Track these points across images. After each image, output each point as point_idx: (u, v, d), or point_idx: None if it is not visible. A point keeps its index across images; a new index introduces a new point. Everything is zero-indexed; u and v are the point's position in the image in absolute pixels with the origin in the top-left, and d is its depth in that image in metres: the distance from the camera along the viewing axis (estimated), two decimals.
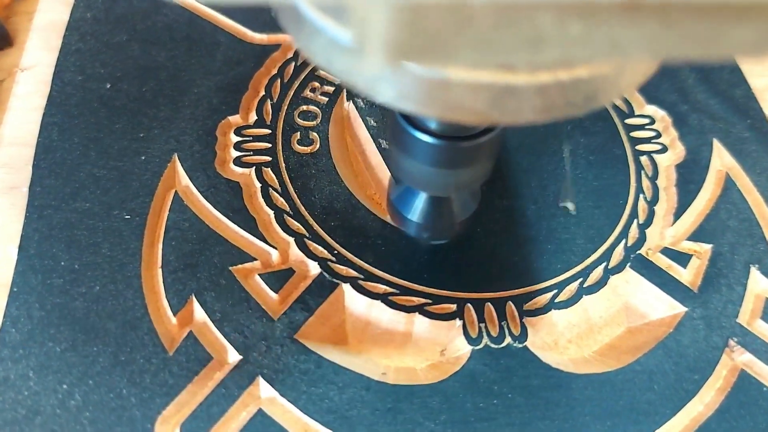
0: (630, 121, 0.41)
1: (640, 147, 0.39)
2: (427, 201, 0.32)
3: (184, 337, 0.31)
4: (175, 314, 0.31)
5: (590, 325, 0.33)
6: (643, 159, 0.39)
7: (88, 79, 0.38)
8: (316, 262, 0.33)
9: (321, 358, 0.31)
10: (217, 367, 0.30)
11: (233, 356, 0.30)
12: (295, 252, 0.34)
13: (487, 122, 0.18)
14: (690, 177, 0.38)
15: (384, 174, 0.37)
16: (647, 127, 0.40)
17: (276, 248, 0.34)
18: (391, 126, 0.28)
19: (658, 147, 0.39)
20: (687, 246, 0.36)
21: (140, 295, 0.32)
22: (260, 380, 0.30)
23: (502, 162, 0.38)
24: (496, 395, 0.30)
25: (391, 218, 0.34)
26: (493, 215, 0.35)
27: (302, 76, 0.40)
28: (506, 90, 0.17)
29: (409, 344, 0.32)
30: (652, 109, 0.41)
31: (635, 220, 0.36)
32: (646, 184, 0.38)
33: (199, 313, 0.31)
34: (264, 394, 0.30)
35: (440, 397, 0.30)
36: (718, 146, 0.40)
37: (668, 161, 0.39)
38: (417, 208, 0.32)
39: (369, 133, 0.39)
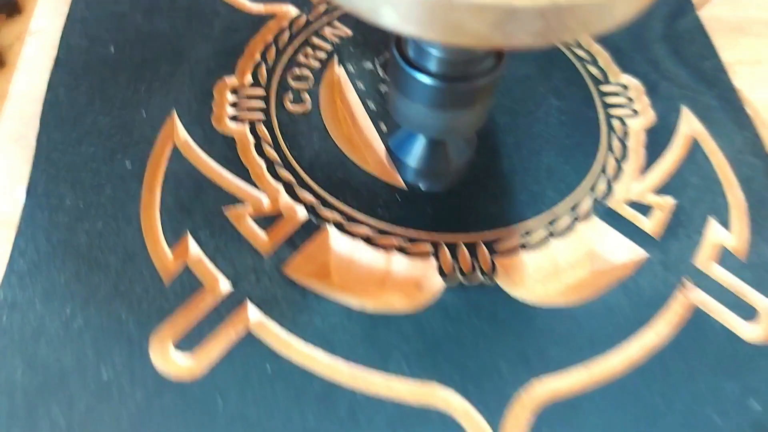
0: (604, 87, 0.43)
1: (613, 111, 0.42)
2: (424, 146, 0.34)
3: (180, 269, 0.33)
4: (171, 249, 0.34)
5: (557, 268, 0.36)
6: (615, 122, 0.42)
7: (93, 44, 0.41)
8: (304, 207, 0.36)
9: (306, 290, 0.33)
10: (209, 295, 0.33)
11: (225, 286, 0.33)
12: (284, 198, 0.36)
13: (486, 46, 0.21)
14: (658, 140, 0.41)
15: (371, 133, 0.40)
16: (621, 94, 0.43)
17: (267, 194, 0.36)
18: (391, 69, 0.30)
19: (630, 112, 0.42)
20: (651, 199, 0.38)
21: (139, 232, 0.34)
22: (249, 306, 0.33)
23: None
24: (465, 324, 0.33)
25: (390, 165, 0.37)
26: (471, 169, 0.38)
27: (296, 44, 0.43)
28: (508, 12, 0.18)
29: (388, 281, 0.34)
30: (626, 78, 0.44)
31: (603, 175, 0.39)
32: (616, 144, 0.41)
33: (193, 248, 0.34)
34: (252, 317, 0.32)
35: (414, 325, 0.33)
36: (686, 113, 0.43)
37: (638, 125, 0.42)
38: (415, 154, 0.35)
39: (358, 95, 0.41)
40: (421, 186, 0.38)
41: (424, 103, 0.30)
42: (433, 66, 0.29)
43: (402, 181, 0.37)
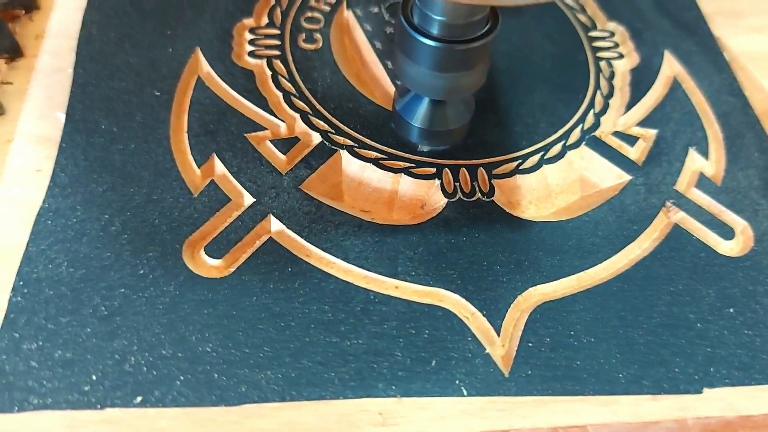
0: (593, 33, 0.47)
1: (601, 54, 0.46)
2: (427, 108, 0.38)
3: (207, 184, 0.37)
4: (199, 167, 0.38)
5: (549, 191, 0.39)
6: (603, 64, 0.45)
7: None
8: (318, 133, 0.40)
9: (321, 203, 0.37)
10: (234, 207, 0.36)
11: (248, 199, 0.37)
12: (300, 125, 0.40)
13: (478, 2, 0.25)
14: (642, 79, 0.45)
15: (378, 69, 0.44)
16: (608, 39, 0.47)
17: (284, 122, 0.40)
18: (398, 35, 0.34)
19: (616, 55, 0.46)
20: (635, 130, 0.42)
21: (169, 152, 0.38)
22: (271, 217, 0.36)
23: None
24: (465, 234, 0.37)
25: (396, 127, 0.41)
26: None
27: None
28: None
29: (395, 200, 0.38)
30: (612, 25, 0.48)
31: (592, 110, 0.43)
32: (603, 83, 0.44)
33: (219, 167, 0.38)
34: (274, 228, 0.36)
35: (419, 234, 0.36)
36: (668, 56, 0.46)
37: (624, 66, 0.46)
38: (419, 115, 0.38)
39: (365, 36, 0.45)
40: (425, 147, 0.41)
41: (427, 65, 0.33)
42: (435, 30, 0.32)
43: None
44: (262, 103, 0.40)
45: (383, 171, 0.38)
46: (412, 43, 0.33)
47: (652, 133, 0.41)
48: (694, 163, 0.40)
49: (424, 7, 0.31)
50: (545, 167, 0.39)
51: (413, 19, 0.32)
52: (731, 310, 0.35)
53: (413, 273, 0.35)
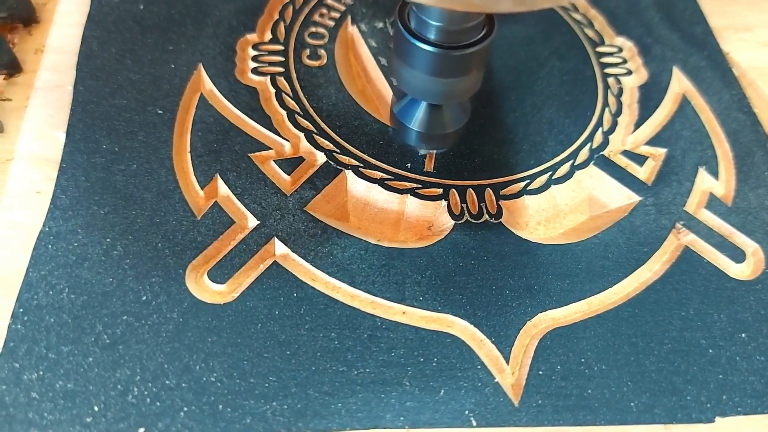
0: (601, 49, 0.47)
1: (609, 70, 0.45)
2: (425, 111, 0.37)
3: (210, 206, 0.36)
4: (202, 188, 0.37)
5: (557, 211, 0.39)
6: (611, 80, 0.45)
7: (124, 1, 0.44)
8: (323, 153, 0.39)
9: (327, 226, 0.36)
10: (238, 230, 0.36)
11: (252, 222, 0.36)
12: (305, 145, 0.39)
13: (472, 9, 0.24)
14: (651, 96, 0.44)
15: (383, 86, 0.43)
16: (616, 54, 0.46)
17: (288, 141, 0.39)
18: (395, 40, 0.33)
19: (624, 71, 0.45)
20: (644, 149, 0.42)
21: (172, 173, 0.37)
22: (275, 240, 0.35)
23: (489, 79, 0.44)
24: (473, 257, 0.36)
25: (393, 129, 0.41)
26: (478, 121, 0.41)
27: (312, 3, 0.46)
28: None
29: (402, 221, 0.38)
30: (620, 40, 0.47)
31: (600, 128, 0.42)
32: (611, 100, 0.44)
33: (222, 188, 0.37)
34: (279, 251, 0.35)
35: (426, 258, 0.36)
36: (677, 72, 0.46)
37: (632, 83, 0.45)
38: (416, 118, 0.38)
39: (370, 52, 0.44)
40: (422, 150, 0.40)
41: (424, 70, 0.33)
42: (432, 35, 0.32)
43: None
44: (266, 121, 0.39)
45: (389, 192, 0.37)
46: (409, 49, 0.32)
47: (662, 152, 0.41)
48: (704, 183, 0.40)
49: (420, 13, 0.31)
50: (553, 187, 0.39)
51: (410, 24, 0.32)
52: (743, 335, 0.34)
53: (421, 298, 0.34)
